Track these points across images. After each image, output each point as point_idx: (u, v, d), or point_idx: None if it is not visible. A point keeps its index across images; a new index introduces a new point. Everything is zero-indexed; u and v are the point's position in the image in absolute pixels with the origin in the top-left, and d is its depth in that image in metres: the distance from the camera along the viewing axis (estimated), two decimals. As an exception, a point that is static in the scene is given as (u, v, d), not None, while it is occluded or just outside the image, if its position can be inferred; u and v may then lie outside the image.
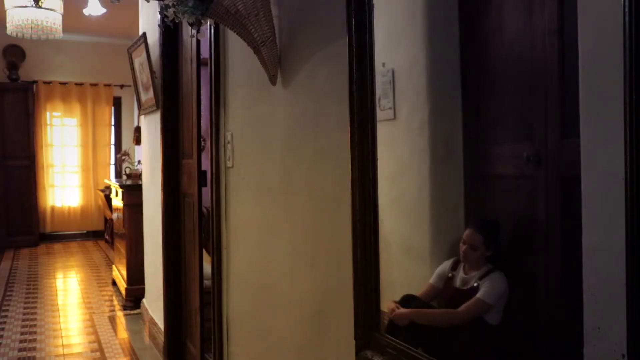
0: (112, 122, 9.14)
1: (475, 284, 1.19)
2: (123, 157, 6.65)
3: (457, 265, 1.25)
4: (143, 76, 4.19)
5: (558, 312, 1.05)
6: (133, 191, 5.11)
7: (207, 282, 3.05)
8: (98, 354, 3.94)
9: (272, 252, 2.13)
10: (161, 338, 3.87)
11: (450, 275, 1.26)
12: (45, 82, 8.53)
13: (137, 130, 7.57)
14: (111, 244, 7.16)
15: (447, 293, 1.28)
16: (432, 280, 1.32)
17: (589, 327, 0.85)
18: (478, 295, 1.17)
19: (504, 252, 1.18)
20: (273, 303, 2.13)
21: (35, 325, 4.54)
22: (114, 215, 6.17)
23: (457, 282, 1.25)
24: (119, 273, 5.53)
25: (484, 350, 1.22)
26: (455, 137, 1.30)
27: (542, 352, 1.08)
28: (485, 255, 1.19)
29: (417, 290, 1.38)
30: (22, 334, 4.35)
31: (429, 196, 1.37)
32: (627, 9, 0.77)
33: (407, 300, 1.36)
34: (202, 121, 3.16)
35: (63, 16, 4.93)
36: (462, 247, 1.22)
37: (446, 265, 1.28)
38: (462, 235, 1.23)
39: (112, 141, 9.17)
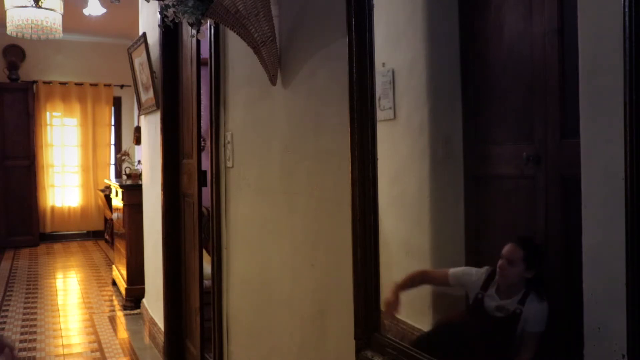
0: (112, 122, 9.14)
1: (517, 310, 1.10)
2: (123, 157, 6.65)
3: (487, 286, 1.16)
4: (143, 76, 4.19)
5: (558, 312, 1.05)
6: (133, 191, 5.11)
7: (207, 282, 3.05)
8: (98, 354, 3.94)
9: (272, 252, 2.13)
10: (161, 338, 3.87)
11: (479, 296, 1.17)
12: (45, 82, 8.53)
13: (137, 130, 7.57)
14: (111, 244, 7.16)
15: (477, 320, 1.19)
16: (451, 274, 1.28)
17: (589, 327, 0.85)
18: (529, 329, 1.08)
19: (544, 278, 1.11)
20: (273, 303, 2.13)
21: (35, 325, 4.54)
22: (114, 215, 6.17)
23: (490, 308, 1.15)
24: (119, 273, 5.53)
25: (484, 351, 1.21)
26: (455, 137, 1.30)
27: (543, 351, 1.08)
28: (524, 276, 1.11)
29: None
30: (22, 334, 4.35)
31: (429, 196, 1.37)
32: (627, 9, 0.77)
33: (440, 330, 1.31)
34: (202, 121, 3.16)
35: (63, 16, 4.93)
36: (499, 262, 1.13)
37: (476, 280, 1.19)
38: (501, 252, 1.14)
39: (112, 141, 9.17)
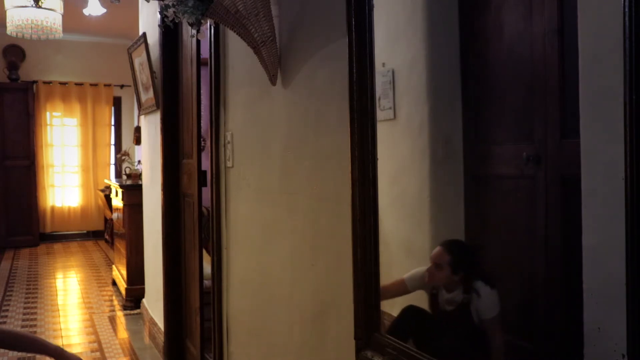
0: (112, 122, 9.14)
1: (465, 300, 1.15)
2: (123, 157, 6.65)
3: None
4: (143, 76, 4.19)
5: (558, 312, 1.05)
6: (133, 191, 5.11)
7: (207, 282, 3.05)
8: (98, 354, 3.94)
9: (272, 252, 2.13)
10: (161, 338, 3.87)
11: (434, 292, 1.22)
12: (45, 82, 8.53)
13: (137, 130, 7.57)
14: (111, 244, 7.16)
15: (436, 315, 1.24)
16: (406, 278, 1.31)
17: (589, 327, 0.85)
18: (484, 317, 1.13)
19: (476, 275, 1.14)
20: (273, 303, 2.13)
21: (35, 325, 4.54)
22: (114, 215, 6.17)
23: (443, 301, 1.20)
24: (119, 273, 5.53)
25: (485, 351, 1.21)
26: (455, 137, 1.30)
27: (543, 352, 1.08)
28: (453, 279, 1.16)
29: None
30: (22, 334, 4.35)
31: (429, 196, 1.37)
32: (627, 9, 0.77)
33: (411, 314, 1.33)
34: (202, 121, 3.16)
35: (63, 16, 4.94)
36: (429, 266, 1.19)
37: (425, 277, 1.24)
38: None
39: (112, 141, 9.17)
